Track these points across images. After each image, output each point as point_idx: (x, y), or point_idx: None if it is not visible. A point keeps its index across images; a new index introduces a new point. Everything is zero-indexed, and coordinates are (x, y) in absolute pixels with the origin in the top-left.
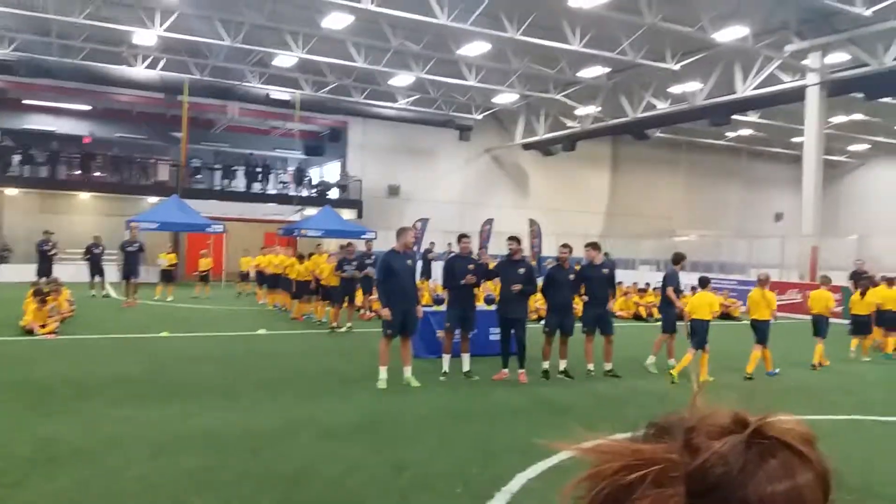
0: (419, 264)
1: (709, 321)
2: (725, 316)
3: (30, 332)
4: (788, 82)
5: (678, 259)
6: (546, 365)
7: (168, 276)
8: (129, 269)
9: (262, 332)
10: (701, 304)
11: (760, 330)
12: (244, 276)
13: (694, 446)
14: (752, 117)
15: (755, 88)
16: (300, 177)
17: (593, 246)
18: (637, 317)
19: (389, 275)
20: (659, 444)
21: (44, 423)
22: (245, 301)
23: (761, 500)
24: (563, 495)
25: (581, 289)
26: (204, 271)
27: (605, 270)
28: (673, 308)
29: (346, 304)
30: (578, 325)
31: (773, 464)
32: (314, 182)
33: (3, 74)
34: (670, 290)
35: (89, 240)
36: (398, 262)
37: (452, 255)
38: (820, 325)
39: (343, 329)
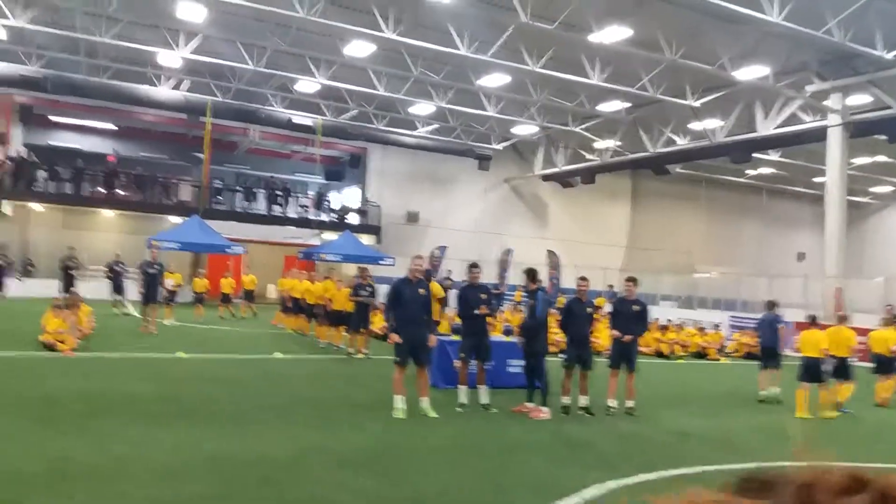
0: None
1: (818, 358)
2: (749, 355)
3: (50, 348)
4: (810, 122)
5: (773, 305)
6: (566, 400)
7: (171, 298)
8: (150, 292)
9: (277, 355)
10: (809, 342)
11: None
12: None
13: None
14: (774, 156)
15: (776, 127)
16: (320, 201)
17: (634, 281)
18: (659, 353)
19: (398, 302)
20: (759, 499)
21: (56, 440)
22: (258, 323)
23: None
24: None
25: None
26: (226, 292)
27: (637, 307)
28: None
29: (362, 331)
30: (599, 359)
31: None
32: (334, 207)
33: (32, 90)
34: (782, 328)
35: (111, 257)
36: (408, 289)
37: (465, 283)
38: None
39: (359, 356)
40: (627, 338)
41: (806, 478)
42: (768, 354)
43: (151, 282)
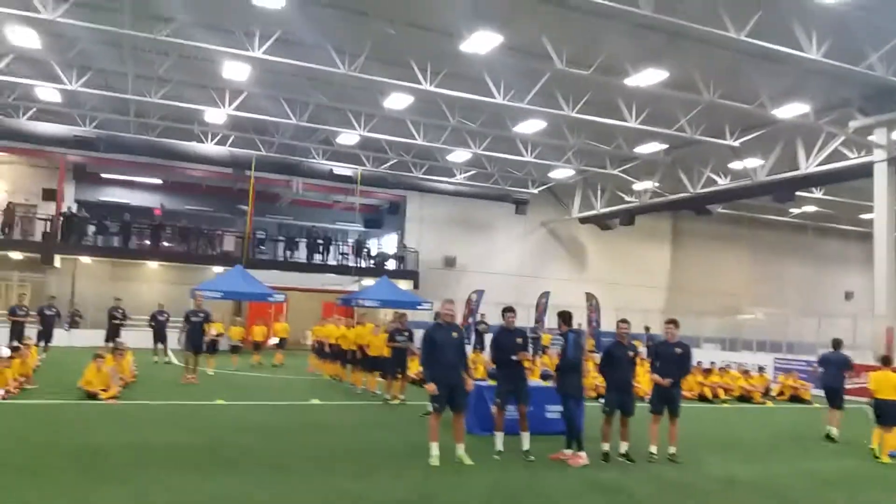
0: (473, 336)
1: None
2: (795, 398)
3: (93, 397)
4: (854, 158)
5: (839, 343)
6: (606, 447)
7: (213, 347)
8: (194, 340)
9: (314, 401)
10: (885, 383)
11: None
12: (257, 346)
13: None
14: (817, 193)
15: (819, 165)
16: (359, 248)
17: (675, 324)
18: (702, 397)
19: (432, 348)
20: None
21: (99, 491)
22: (295, 370)
23: None
24: None
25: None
26: (258, 340)
27: (679, 350)
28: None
29: (399, 376)
30: (640, 404)
31: None
32: (373, 253)
33: (84, 150)
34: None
35: (155, 307)
36: (441, 334)
37: (500, 328)
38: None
39: (396, 401)
40: (667, 382)
41: None
42: (833, 395)
43: (195, 330)
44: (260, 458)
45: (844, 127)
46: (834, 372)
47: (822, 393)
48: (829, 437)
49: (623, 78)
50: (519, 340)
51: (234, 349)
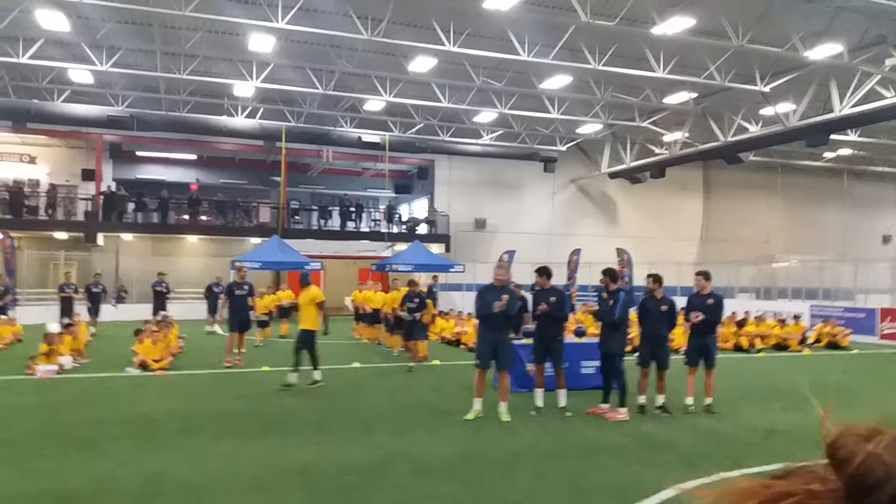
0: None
1: None
2: (832, 345)
3: (144, 367)
4: (891, 97)
5: None
6: (642, 399)
7: (264, 324)
8: (240, 317)
9: (355, 364)
10: None
11: None
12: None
13: (842, 457)
14: (852, 136)
15: (854, 106)
16: (390, 214)
17: (704, 275)
18: (737, 347)
19: (481, 305)
20: (792, 480)
21: (152, 458)
22: (337, 334)
23: None
24: None
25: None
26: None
27: (711, 301)
28: None
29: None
30: (675, 357)
31: None
32: (404, 219)
33: (119, 129)
34: None
35: (202, 279)
36: (493, 296)
37: (533, 288)
38: None
39: (411, 365)
40: (698, 317)
41: (833, 435)
42: None
43: (238, 304)
44: (303, 420)
45: (880, 65)
46: None
47: (863, 339)
48: None
49: (650, 27)
50: (553, 299)
51: (283, 315)
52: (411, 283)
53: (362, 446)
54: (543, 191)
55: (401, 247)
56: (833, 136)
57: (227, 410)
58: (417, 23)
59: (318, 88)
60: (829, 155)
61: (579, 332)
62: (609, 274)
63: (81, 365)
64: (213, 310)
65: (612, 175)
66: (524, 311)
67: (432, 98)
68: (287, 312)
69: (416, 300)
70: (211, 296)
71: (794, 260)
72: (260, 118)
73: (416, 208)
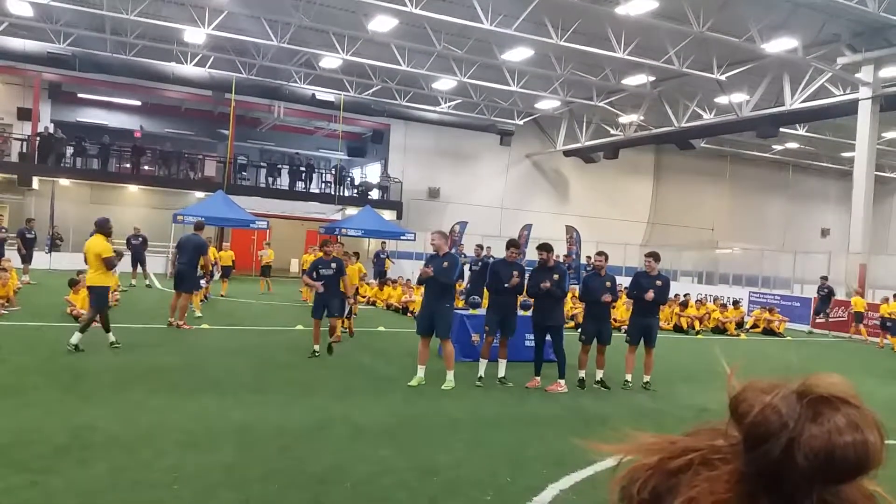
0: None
1: None
2: (768, 332)
3: (76, 319)
4: (839, 96)
5: None
6: (582, 374)
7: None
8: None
9: (299, 327)
10: None
11: None
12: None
13: (743, 410)
14: (801, 130)
15: (804, 101)
16: (342, 177)
17: (654, 257)
18: (677, 328)
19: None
20: (696, 436)
21: (81, 410)
22: (283, 296)
23: (828, 450)
24: (611, 493)
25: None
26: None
27: (659, 283)
28: None
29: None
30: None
31: (832, 415)
32: (356, 182)
33: (59, 68)
34: None
35: (144, 231)
36: (435, 263)
37: (499, 260)
38: None
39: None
40: (651, 295)
41: (736, 390)
42: None
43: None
44: (242, 380)
45: (832, 63)
46: None
47: (797, 326)
48: None
49: (613, 6)
50: (516, 273)
51: (225, 274)
52: (325, 245)
53: (302, 408)
54: (498, 164)
55: (351, 211)
56: (782, 129)
57: (163, 366)
58: None
59: (272, 40)
60: (777, 147)
61: (524, 306)
62: (546, 248)
63: (10, 312)
64: (139, 262)
65: (567, 153)
66: (461, 278)
67: (391, 60)
68: (228, 272)
69: (334, 265)
70: (132, 248)
71: (736, 247)
72: (210, 67)
73: (369, 172)
